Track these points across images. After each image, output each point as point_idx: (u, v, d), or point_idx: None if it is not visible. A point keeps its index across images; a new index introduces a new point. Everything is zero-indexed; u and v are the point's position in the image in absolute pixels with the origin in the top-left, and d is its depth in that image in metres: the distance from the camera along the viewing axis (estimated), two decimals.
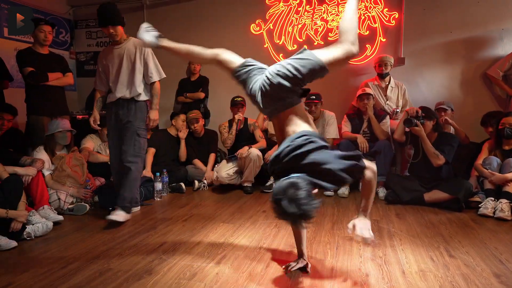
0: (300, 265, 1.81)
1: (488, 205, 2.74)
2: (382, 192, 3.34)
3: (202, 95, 4.53)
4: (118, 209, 2.62)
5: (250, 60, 1.82)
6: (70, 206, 2.88)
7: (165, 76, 2.91)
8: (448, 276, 1.77)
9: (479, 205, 2.81)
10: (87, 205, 2.92)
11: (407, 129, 3.18)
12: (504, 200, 2.71)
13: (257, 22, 4.54)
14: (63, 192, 2.87)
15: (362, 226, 1.58)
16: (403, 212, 2.89)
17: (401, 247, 2.15)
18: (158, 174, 3.38)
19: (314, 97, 3.66)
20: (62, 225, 2.60)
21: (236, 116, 3.83)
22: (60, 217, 2.62)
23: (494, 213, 2.69)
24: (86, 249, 2.15)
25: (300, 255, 1.86)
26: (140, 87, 2.78)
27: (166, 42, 2.03)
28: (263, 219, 2.71)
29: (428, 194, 3.03)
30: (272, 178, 3.73)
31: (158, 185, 3.35)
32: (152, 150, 3.76)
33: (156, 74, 2.83)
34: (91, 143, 3.66)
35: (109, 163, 3.04)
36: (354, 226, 1.58)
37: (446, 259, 1.96)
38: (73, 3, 5.26)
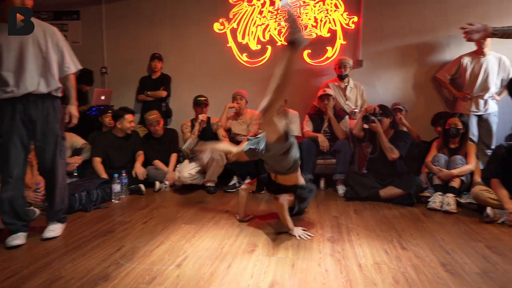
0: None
1: (436, 200, 2.94)
2: (341, 189, 3.46)
3: (163, 93, 4.43)
4: (54, 223, 2.36)
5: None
6: None
7: (81, 67, 2.56)
8: (400, 267, 1.87)
9: (429, 200, 3.01)
10: (36, 209, 2.74)
11: (365, 126, 3.32)
12: (450, 195, 2.92)
13: (220, 21, 4.51)
14: None
15: (299, 233, 2.32)
16: (361, 208, 3.01)
17: (358, 241, 2.24)
18: (116, 175, 3.25)
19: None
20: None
21: (200, 117, 3.78)
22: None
23: (441, 206, 2.89)
24: (36, 256, 2.02)
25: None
26: (56, 80, 2.32)
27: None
28: (226, 219, 2.71)
29: (384, 190, 3.18)
30: (235, 178, 3.73)
31: (116, 187, 3.22)
32: (98, 160, 3.56)
33: (73, 65, 2.43)
34: None
35: None
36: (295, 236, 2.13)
37: (399, 251, 2.07)
38: None
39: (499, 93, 3.76)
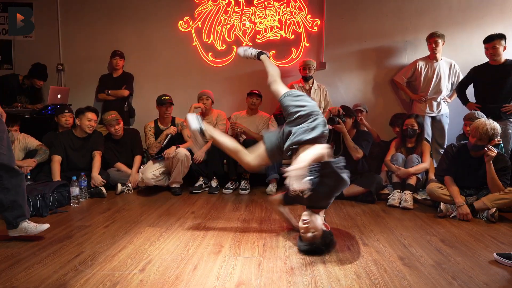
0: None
1: (395, 197, 3.09)
2: None
3: (126, 92, 4.28)
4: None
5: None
6: None
7: None
8: (362, 262, 1.94)
9: (388, 197, 3.15)
10: None
11: (329, 127, 3.41)
12: (407, 192, 3.09)
13: (185, 19, 4.44)
14: None
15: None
16: None
17: None
18: (74, 178, 3.09)
19: (257, 91, 3.96)
20: None
21: (165, 132, 3.69)
22: None
23: (400, 203, 3.04)
24: None
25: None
26: None
27: (211, 132, 2.31)
28: (192, 220, 2.67)
29: (346, 188, 3.28)
30: (201, 178, 3.69)
31: (75, 190, 3.06)
32: (57, 158, 3.37)
33: None
34: None
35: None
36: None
37: (361, 247, 2.16)
38: None
39: (450, 96, 4.03)
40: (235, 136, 3.72)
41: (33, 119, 3.96)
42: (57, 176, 3.28)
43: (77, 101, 4.22)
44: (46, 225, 2.25)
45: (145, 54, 4.54)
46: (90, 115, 3.48)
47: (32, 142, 3.46)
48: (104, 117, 3.68)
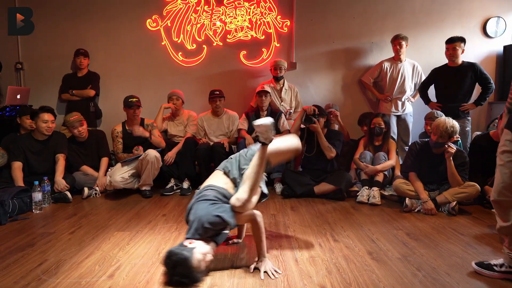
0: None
1: (364, 193, 3.19)
2: (278, 187, 3.57)
3: (91, 92, 4.12)
4: None
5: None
6: None
7: None
8: (332, 258, 1.99)
9: (357, 194, 3.25)
10: None
11: (302, 126, 3.47)
12: (375, 188, 3.20)
13: (153, 18, 4.34)
14: None
15: (267, 268, 1.81)
16: (297, 205, 3.14)
17: (295, 237, 2.33)
18: (36, 182, 2.93)
19: (217, 92, 3.84)
20: None
21: (135, 149, 3.48)
22: None
23: (368, 199, 3.15)
24: None
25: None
26: None
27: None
28: (163, 223, 2.61)
29: (318, 186, 3.36)
30: (172, 180, 3.62)
31: (37, 196, 2.91)
32: (17, 165, 3.17)
33: None
34: None
35: None
36: (260, 271, 1.80)
37: (331, 244, 2.21)
38: None
39: (413, 96, 4.21)
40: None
41: None
42: (19, 182, 3.10)
43: (39, 102, 4.00)
44: None
45: (112, 53, 4.40)
46: (46, 116, 3.25)
47: None
48: (66, 118, 3.48)
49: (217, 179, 2.00)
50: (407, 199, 2.94)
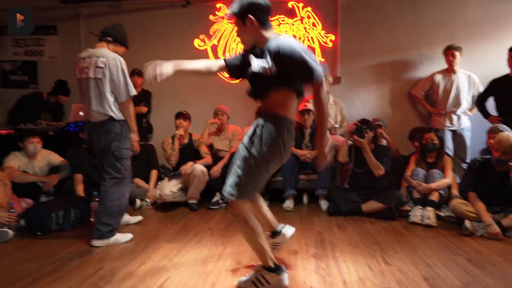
0: None
1: (416, 213, 3.00)
2: (324, 204, 3.48)
3: (144, 109, 4.37)
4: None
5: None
6: None
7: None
8: (384, 282, 1.88)
9: (409, 213, 3.07)
10: (9, 231, 2.60)
11: (350, 142, 3.38)
12: (429, 208, 2.99)
13: (201, 37, 4.55)
14: None
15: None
16: (344, 223, 3.03)
17: (342, 257, 2.24)
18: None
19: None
20: None
21: (177, 132, 3.74)
22: None
23: (422, 220, 2.95)
24: (9, 281, 1.91)
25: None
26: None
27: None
28: (209, 237, 2.66)
29: (365, 204, 3.23)
30: (218, 194, 3.69)
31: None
32: (79, 177, 3.46)
33: None
34: (15, 161, 3.30)
35: (39, 183, 2.88)
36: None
37: (382, 266, 2.09)
38: None
39: (470, 109, 3.94)
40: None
41: (56, 136, 4.10)
42: (80, 193, 3.36)
43: None
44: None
45: None
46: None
47: (55, 158, 3.56)
48: None
49: None
50: (466, 221, 2.71)
